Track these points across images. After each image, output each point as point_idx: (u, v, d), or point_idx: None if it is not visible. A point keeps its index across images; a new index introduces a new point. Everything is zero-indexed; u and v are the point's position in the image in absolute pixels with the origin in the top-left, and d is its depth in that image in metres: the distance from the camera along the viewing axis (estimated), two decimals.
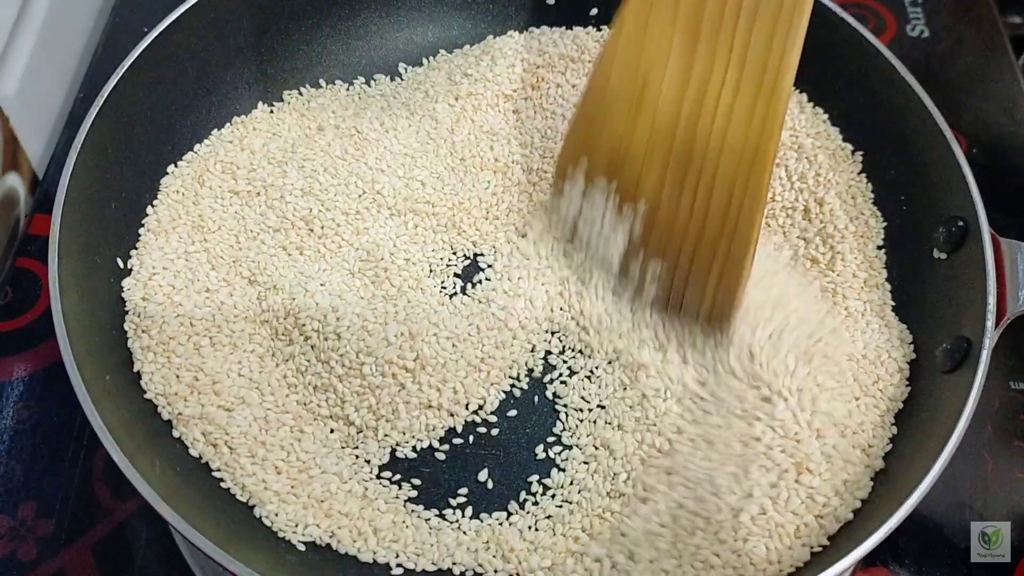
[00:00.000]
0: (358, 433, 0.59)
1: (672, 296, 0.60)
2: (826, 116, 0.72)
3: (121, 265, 0.62)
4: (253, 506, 0.56)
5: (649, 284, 0.60)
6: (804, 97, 0.73)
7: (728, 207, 0.56)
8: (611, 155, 0.59)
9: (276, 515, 0.55)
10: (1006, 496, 0.64)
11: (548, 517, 0.56)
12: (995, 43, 0.88)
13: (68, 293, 0.55)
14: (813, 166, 0.69)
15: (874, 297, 0.64)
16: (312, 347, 0.60)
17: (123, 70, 0.63)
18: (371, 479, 0.58)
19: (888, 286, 0.65)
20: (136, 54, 0.64)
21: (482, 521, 0.57)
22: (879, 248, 0.66)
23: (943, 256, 0.63)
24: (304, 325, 0.61)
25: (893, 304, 0.64)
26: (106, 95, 0.62)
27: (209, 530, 0.49)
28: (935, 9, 0.91)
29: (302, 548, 0.55)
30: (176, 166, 0.68)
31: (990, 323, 0.56)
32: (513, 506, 0.57)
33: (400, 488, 0.58)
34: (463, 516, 0.57)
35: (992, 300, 0.57)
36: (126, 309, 0.61)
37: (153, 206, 0.66)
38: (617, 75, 0.58)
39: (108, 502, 0.61)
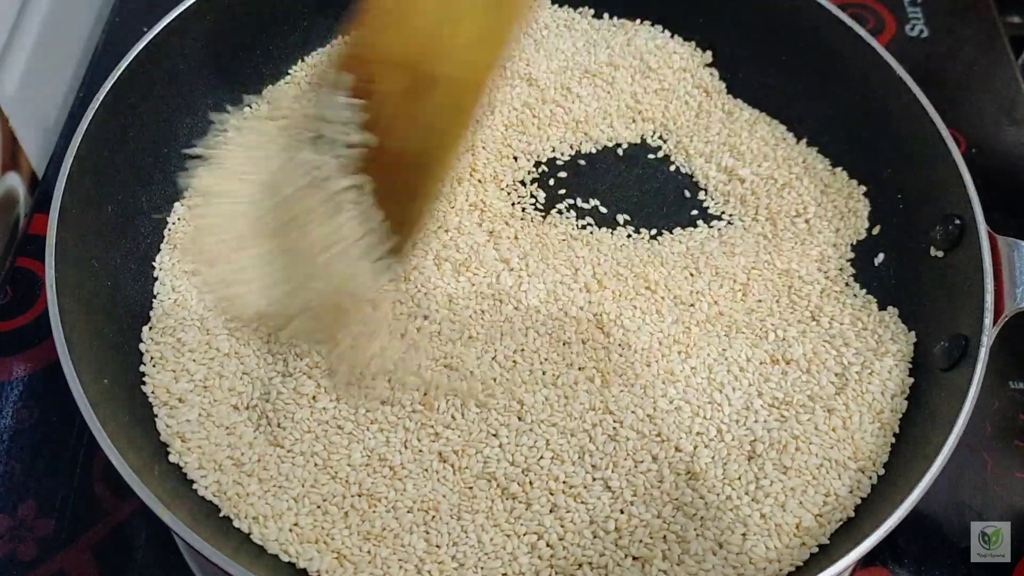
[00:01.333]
0: None
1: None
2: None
3: (118, 266, 0.62)
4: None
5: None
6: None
7: (440, 141, 0.53)
8: (365, 61, 0.53)
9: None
10: (1006, 496, 0.64)
11: None
12: (994, 43, 0.88)
13: (66, 297, 0.55)
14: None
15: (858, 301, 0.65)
16: None
17: (120, 71, 0.63)
18: None
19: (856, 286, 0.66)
20: (133, 55, 0.64)
21: None
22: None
23: (940, 254, 0.63)
24: None
25: (889, 303, 0.65)
26: (102, 97, 0.62)
27: (208, 533, 0.49)
28: (934, 9, 0.91)
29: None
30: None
31: (988, 321, 0.56)
32: None
33: None
34: None
35: (990, 298, 0.57)
36: (149, 312, 0.62)
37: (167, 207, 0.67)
38: None
39: (108, 502, 0.61)
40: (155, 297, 0.64)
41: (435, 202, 0.55)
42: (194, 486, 0.55)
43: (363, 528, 0.55)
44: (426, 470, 0.57)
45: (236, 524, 0.54)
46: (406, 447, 0.57)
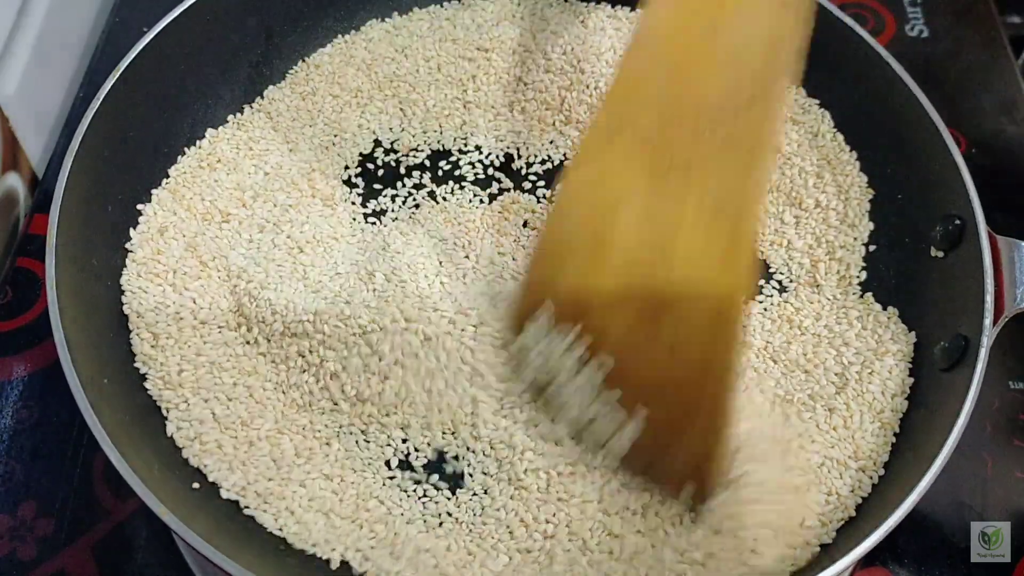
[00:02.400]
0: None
1: (642, 457, 0.53)
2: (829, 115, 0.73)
3: (118, 266, 0.62)
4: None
5: (616, 440, 0.53)
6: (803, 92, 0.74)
7: (701, 361, 0.49)
8: (575, 299, 0.51)
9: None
10: (1006, 496, 0.64)
11: None
12: (995, 43, 0.88)
13: (65, 296, 0.55)
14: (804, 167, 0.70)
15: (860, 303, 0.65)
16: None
17: (120, 71, 0.63)
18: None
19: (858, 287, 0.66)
20: (133, 55, 0.64)
21: None
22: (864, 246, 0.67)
23: (940, 254, 0.63)
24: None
25: (889, 303, 0.64)
26: (102, 97, 0.62)
27: (209, 533, 0.49)
28: (934, 9, 0.91)
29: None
30: (173, 167, 0.68)
31: (988, 321, 0.56)
32: None
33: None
34: None
35: (990, 298, 0.57)
36: (127, 310, 0.61)
37: (148, 204, 0.66)
38: (575, 212, 0.51)
39: (108, 502, 0.61)
40: (153, 295, 0.63)
41: (724, 432, 0.50)
42: (193, 486, 0.55)
43: (376, 529, 0.55)
44: None
45: (258, 520, 0.54)
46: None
